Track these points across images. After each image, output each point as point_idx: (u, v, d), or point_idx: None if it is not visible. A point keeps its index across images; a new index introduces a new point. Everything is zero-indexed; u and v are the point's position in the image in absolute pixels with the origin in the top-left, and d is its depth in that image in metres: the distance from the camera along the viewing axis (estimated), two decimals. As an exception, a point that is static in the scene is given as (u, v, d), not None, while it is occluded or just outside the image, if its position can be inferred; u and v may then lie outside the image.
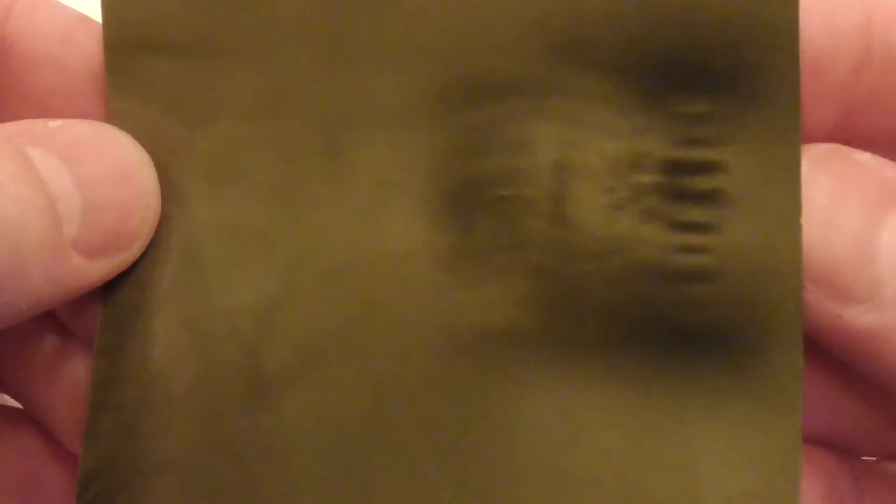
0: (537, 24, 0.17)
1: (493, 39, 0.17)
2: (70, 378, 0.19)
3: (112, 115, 0.18)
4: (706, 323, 0.16)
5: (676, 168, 0.16)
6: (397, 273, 0.17)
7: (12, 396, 0.21)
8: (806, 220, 0.15)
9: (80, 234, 0.16)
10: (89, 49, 0.18)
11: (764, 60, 0.16)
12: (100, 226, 0.16)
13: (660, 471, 0.16)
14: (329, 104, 0.17)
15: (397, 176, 0.17)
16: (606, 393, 0.16)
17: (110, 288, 0.18)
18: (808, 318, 0.16)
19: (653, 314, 0.16)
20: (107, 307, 0.18)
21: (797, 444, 0.16)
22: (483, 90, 0.17)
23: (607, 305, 0.16)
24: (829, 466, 0.18)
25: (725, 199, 0.16)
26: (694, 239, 0.16)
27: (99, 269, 0.17)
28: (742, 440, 0.16)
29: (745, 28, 0.16)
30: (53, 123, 0.17)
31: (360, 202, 0.17)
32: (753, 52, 0.16)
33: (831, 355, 0.16)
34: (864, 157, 0.16)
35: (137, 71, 0.18)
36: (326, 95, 0.17)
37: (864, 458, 0.19)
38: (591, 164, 0.16)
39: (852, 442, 0.19)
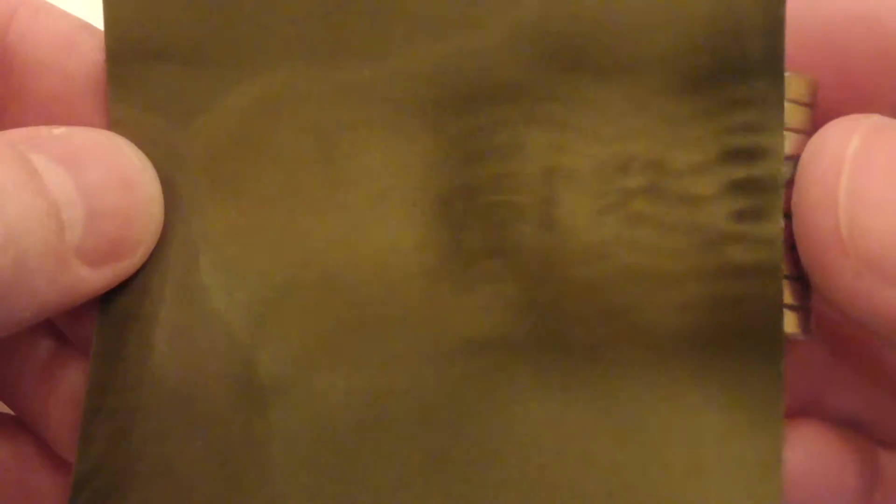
0: (530, 30, 0.17)
1: (486, 45, 0.17)
2: (65, 384, 0.19)
3: (114, 123, 0.18)
4: (692, 330, 0.16)
5: (663, 171, 0.16)
6: (389, 279, 0.17)
7: (5, 402, 0.21)
8: (860, 202, 0.15)
9: (83, 241, 0.16)
10: (91, 56, 0.18)
11: (749, 62, 0.16)
12: (102, 233, 0.16)
13: (644, 481, 0.16)
14: (325, 110, 0.17)
15: (390, 182, 0.17)
16: (593, 401, 0.16)
17: (108, 294, 0.18)
18: (863, 305, 0.15)
19: (640, 321, 0.16)
20: (104, 313, 0.18)
21: (780, 453, 0.16)
22: (476, 96, 0.17)
23: (595, 311, 0.16)
24: (858, 446, 0.19)
25: (709, 201, 0.16)
26: (680, 243, 0.16)
27: (101, 277, 0.17)
28: (725, 449, 0.16)
29: (730, 30, 0.16)
30: (57, 130, 0.17)
31: (353, 208, 0.17)
32: (739, 54, 0.16)
33: (869, 344, 0.16)
34: None
35: (139, 78, 0.18)
36: (322, 102, 0.17)
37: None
38: (580, 169, 0.16)
39: (881, 432, 0.19)
